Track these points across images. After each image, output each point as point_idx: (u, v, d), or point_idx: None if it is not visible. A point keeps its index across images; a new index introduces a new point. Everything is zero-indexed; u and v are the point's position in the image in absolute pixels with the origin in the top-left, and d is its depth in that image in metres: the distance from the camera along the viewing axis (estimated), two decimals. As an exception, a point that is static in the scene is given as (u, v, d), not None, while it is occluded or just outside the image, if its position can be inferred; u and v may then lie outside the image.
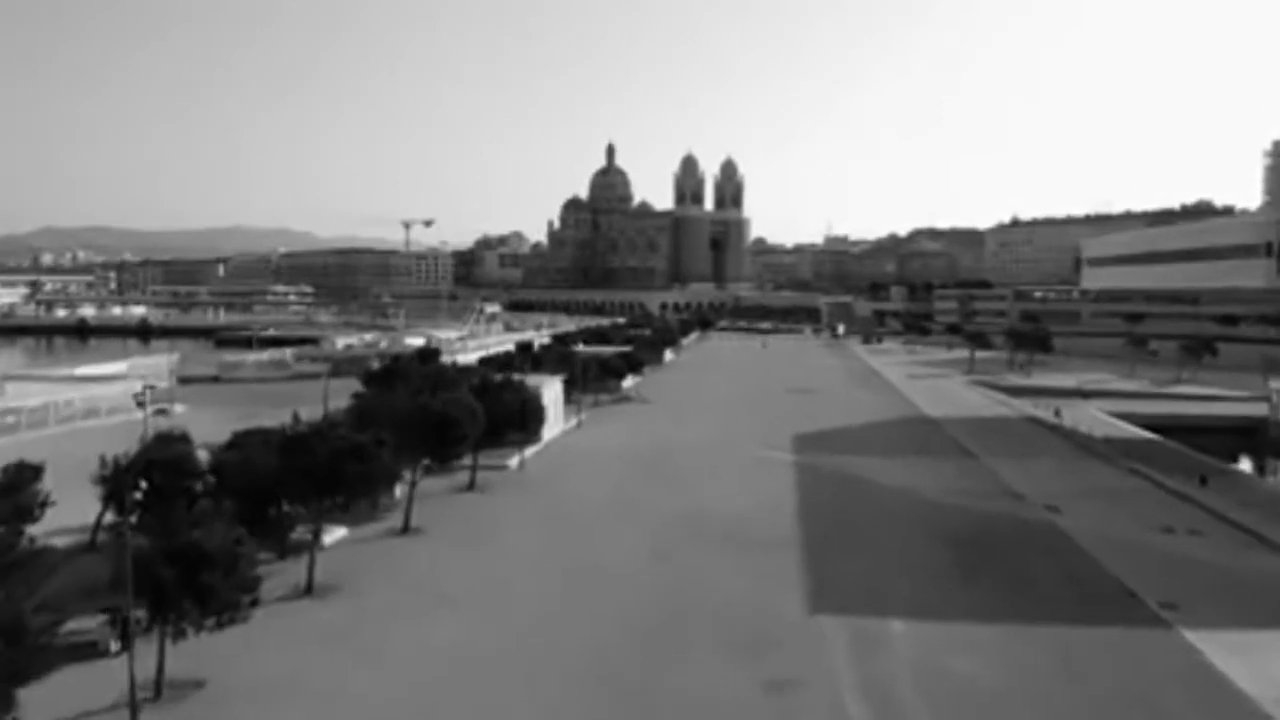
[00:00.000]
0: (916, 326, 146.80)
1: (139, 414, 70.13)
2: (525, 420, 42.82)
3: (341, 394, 52.51)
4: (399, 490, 39.16)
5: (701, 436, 57.99)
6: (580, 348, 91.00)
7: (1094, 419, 68.87)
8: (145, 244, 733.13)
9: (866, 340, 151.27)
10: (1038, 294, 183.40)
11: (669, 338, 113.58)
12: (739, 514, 38.22)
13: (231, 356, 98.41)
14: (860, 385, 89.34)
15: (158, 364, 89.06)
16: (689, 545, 33.77)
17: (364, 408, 39.15)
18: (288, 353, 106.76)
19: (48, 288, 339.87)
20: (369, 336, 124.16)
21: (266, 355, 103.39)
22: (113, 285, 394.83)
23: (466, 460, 41.18)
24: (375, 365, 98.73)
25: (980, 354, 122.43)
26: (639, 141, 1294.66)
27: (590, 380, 70.66)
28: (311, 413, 51.25)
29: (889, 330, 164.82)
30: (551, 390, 57.71)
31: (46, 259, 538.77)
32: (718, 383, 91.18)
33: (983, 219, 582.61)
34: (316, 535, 29.67)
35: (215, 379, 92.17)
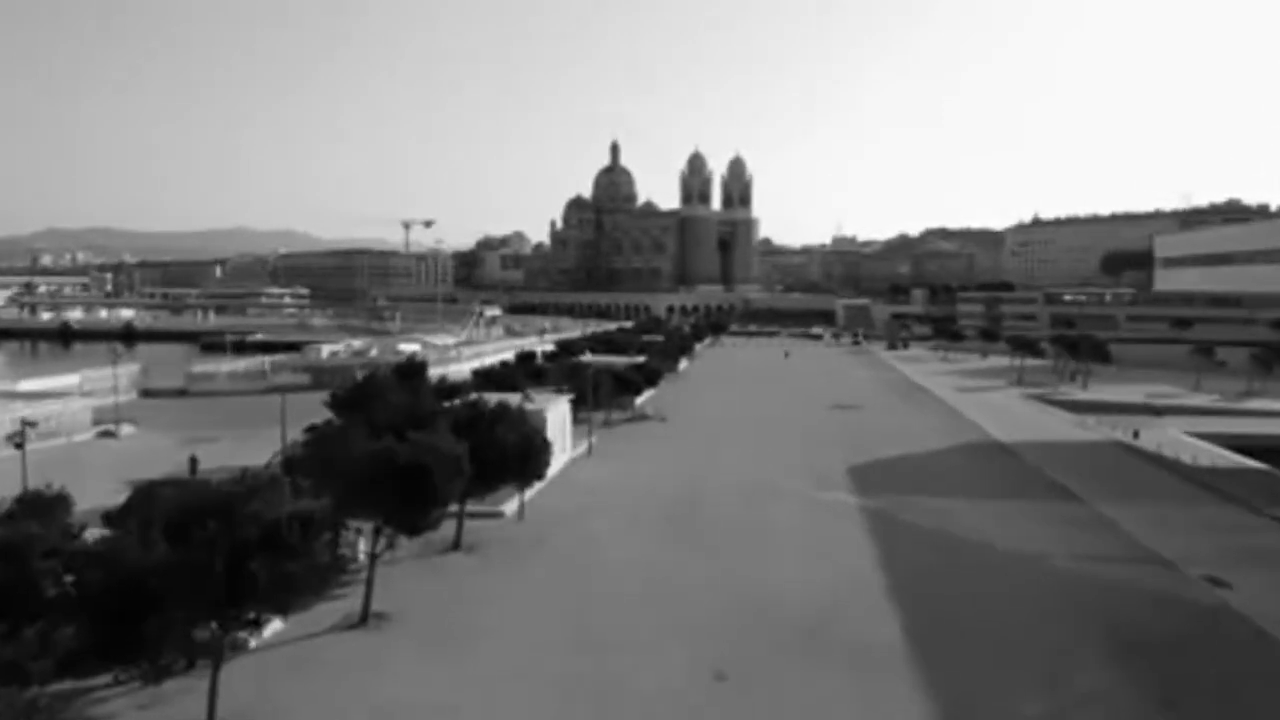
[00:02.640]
0: (948, 332, 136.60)
1: (84, 436, 61.03)
2: (525, 463, 33.28)
3: (320, 411, 43.43)
4: (362, 549, 29.84)
5: (738, 469, 48.37)
6: (588, 357, 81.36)
7: (1179, 442, 59.34)
8: (147, 246, 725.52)
9: (892, 346, 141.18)
10: (1068, 296, 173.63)
11: (684, 345, 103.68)
12: (812, 597, 28.56)
13: (202, 367, 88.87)
14: (905, 400, 79.57)
15: (116, 376, 79.61)
16: (755, 652, 24.17)
17: (317, 451, 29.64)
18: (266, 361, 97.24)
19: (41, 290, 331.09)
20: (357, 343, 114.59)
21: (242, 365, 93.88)
22: (109, 287, 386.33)
23: (453, 505, 31.83)
24: (359, 377, 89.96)
25: (1016, 361, 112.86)
26: (643, 140, 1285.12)
27: (601, 395, 61.12)
28: (280, 439, 42.07)
29: (915, 335, 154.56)
30: (557, 413, 48.17)
31: (45, 260, 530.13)
32: (743, 396, 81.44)
33: (993, 219, 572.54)
34: (217, 662, 20.05)
35: (182, 392, 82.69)
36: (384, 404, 34.03)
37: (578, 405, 57.12)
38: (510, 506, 38.37)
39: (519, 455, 32.79)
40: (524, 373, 69.26)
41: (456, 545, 33.60)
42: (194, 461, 41.90)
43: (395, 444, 26.06)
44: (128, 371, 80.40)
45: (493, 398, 47.90)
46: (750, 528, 36.70)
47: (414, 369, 53.91)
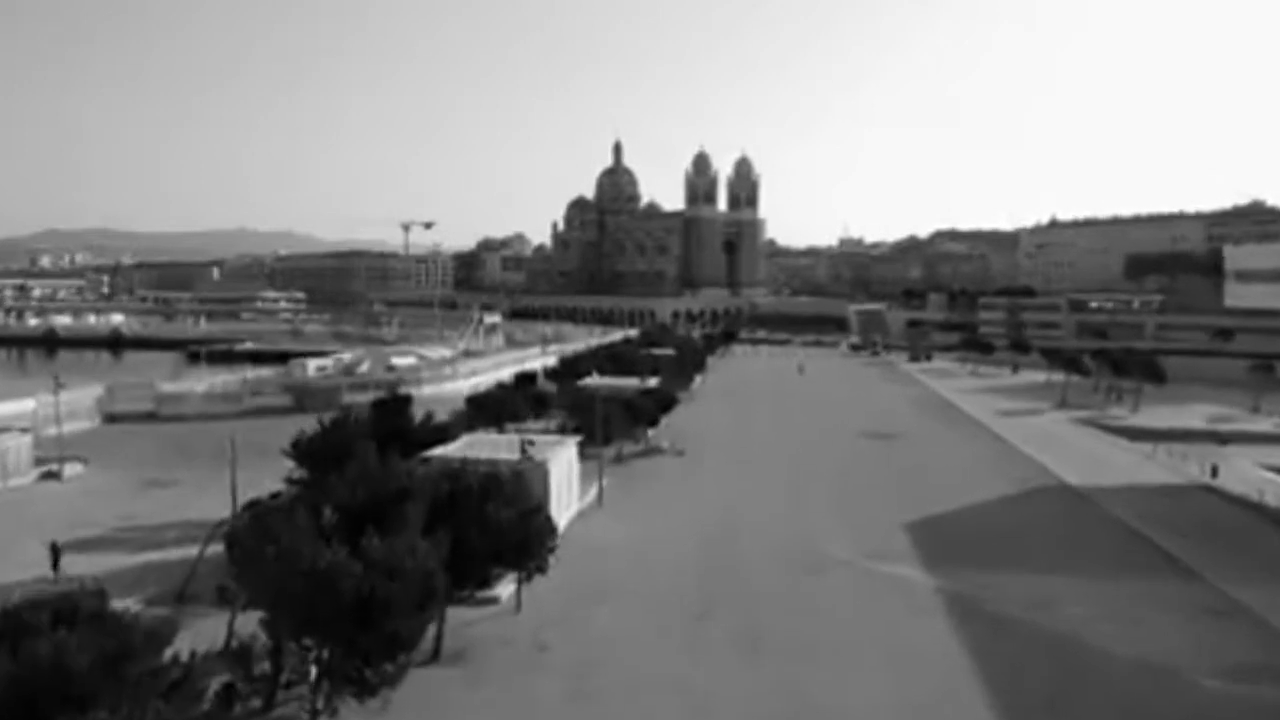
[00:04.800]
0: (976, 343, 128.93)
1: (22, 479, 53.77)
2: (523, 552, 26.15)
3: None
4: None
5: (771, 526, 41.19)
6: (594, 379, 74.14)
7: (1264, 480, 52.20)
8: (148, 246, 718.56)
9: (915, 357, 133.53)
10: (1094, 303, 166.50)
11: (697, 361, 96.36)
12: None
13: (173, 386, 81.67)
14: (945, 425, 72.27)
15: (58, 405, 72.31)
16: None
17: (251, 544, 22.51)
18: (246, 375, 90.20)
19: (36, 292, 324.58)
20: (347, 357, 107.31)
21: (220, 380, 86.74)
22: (105, 289, 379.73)
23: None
24: (345, 399, 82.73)
25: (1040, 375, 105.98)
26: (646, 141, 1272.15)
27: (611, 430, 54.04)
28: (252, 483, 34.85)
29: (936, 345, 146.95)
30: (563, 461, 41.01)
31: (44, 262, 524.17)
32: (762, 421, 74.18)
33: (1003, 219, 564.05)
34: None
35: (151, 415, 75.51)
36: (349, 469, 26.84)
37: (585, 440, 50.17)
38: (506, 590, 31.20)
39: (515, 543, 25.67)
40: (524, 397, 62.27)
41: (436, 655, 26.45)
42: (56, 554, 33.72)
43: (344, 560, 18.87)
44: (89, 395, 73.29)
45: (485, 446, 40.98)
46: (800, 620, 29.48)
47: (397, 405, 46.69)
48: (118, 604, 33.31)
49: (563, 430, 55.58)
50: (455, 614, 27.36)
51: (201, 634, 26.39)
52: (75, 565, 35.54)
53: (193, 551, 35.03)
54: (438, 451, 39.62)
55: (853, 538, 39.06)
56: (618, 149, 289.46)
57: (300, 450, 37.99)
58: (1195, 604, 31.25)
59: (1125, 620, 29.63)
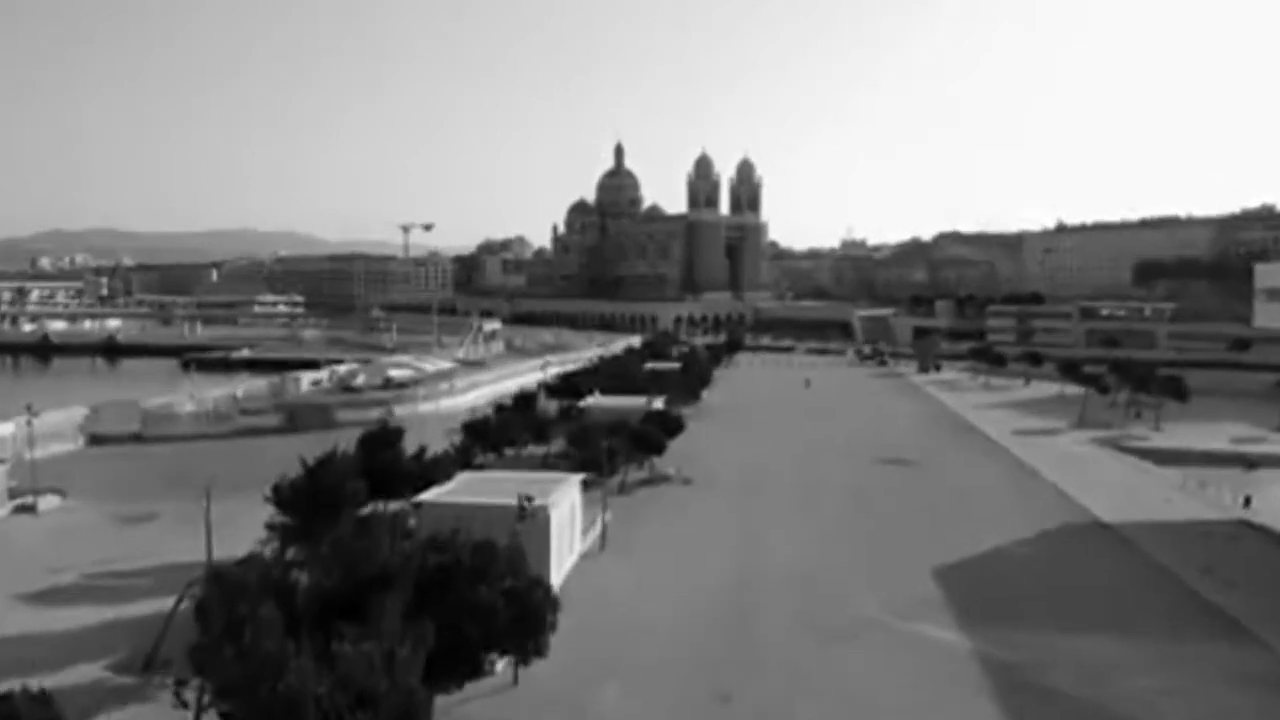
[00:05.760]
0: (987, 354, 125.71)
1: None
2: (520, 636, 23.38)
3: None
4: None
5: (788, 575, 38.26)
6: (596, 398, 71.44)
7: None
8: (150, 247, 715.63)
9: (924, 368, 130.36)
10: (1105, 311, 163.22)
11: (703, 376, 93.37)
12: None
13: (161, 403, 78.81)
14: (965, 448, 69.25)
15: (62, 421, 69.70)
16: None
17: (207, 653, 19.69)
18: (237, 393, 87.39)
19: (34, 296, 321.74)
20: (342, 369, 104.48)
21: (211, 398, 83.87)
22: (104, 291, 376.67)
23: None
24: (338, 415, 79.86)
25: (1054, 387, 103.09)
26: (648, 143, 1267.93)
27: (617, 462, 51.32)
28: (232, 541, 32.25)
29: (945, 353, 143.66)
30: (564, 505, 38.18)
31: (45, 263, 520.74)
32: (772, 444, 71.13)
33: (1008, 222, 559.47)
34: None
35: (137, 437, 72.71)
36: (325, 546, 24.07)
37: (589, 473, 47.45)
38: (499, 666, 28.39)
39: (510, 628, 22.87)
40: (523, 423, 59.46)
41: (424, 746, 23.68)
42: None
43: (310, 674, 16.06)
44: (74, 416, 70.52)
45: (481, 488, 38.11)
46: (832, 704, 26.54)
47: (387, 437, 43.82)
48: (84, 668, 31.33)
49: (565, 457, 52.82)
50: (443, 705, 24.61)
51: (163, 709, 23.87)
52: (43, 621, 33.33)
53: (165, 603, 32.97)
54: (430, 496, 36.86)
55: (879, 587, 36.23)
56: (619, 151, 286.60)
57: (283, 495, 35.19)
58: (1259, 676, 28.40)
59: (1188, 696, 26.80)
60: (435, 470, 40.77)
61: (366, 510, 37.30)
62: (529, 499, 31.68)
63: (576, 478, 40.97)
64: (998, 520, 47.12)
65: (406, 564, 22.69)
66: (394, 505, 37.74)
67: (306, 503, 34.61)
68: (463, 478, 40.08)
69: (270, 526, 35.12)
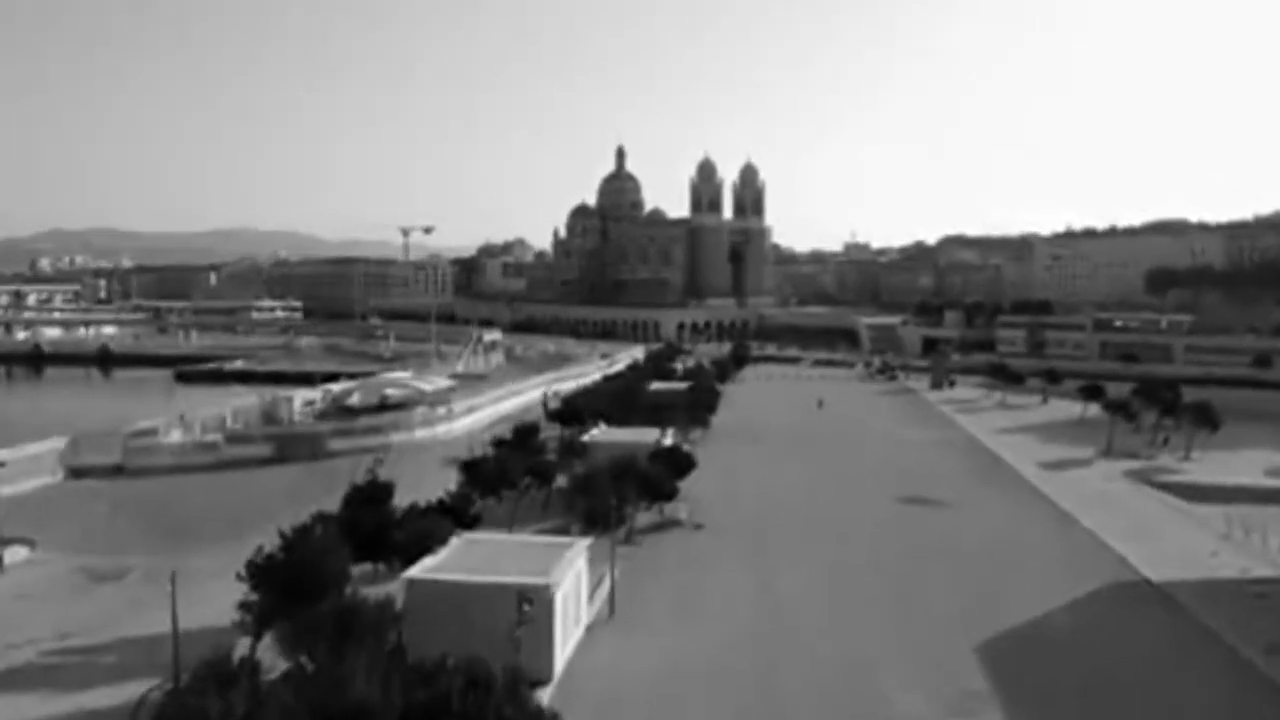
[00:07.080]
0: (1003, 370, 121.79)
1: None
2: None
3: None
4: None
5: (816, 652, 34.75)
6: (601, 432, 68.01)
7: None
8: (150, 246, 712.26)
9: (937, 384, 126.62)
10: (1118, 322, 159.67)
11: (710, 401, 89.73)
12: None
13: (145, 428, 75.26)
14: (991, 485, 65.26)
15: (40, 454, 66.22)
16: None
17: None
18: (227, 418, 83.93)
19: (31, 299, 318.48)
20: (336, 388, 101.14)
21: (198, 423, 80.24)
22: (102, 294, 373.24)
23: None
24: (328, 446, 76.47)
25: (1074, 406, 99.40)
26: (650, 147, 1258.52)
27: (624, 510, 47.86)
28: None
29: (957, 367, 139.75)
30: (570, 577, 34.56)
31: (44, 263, 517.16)
32: (788, 479, 67.28)
33: (1013, 225, 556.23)
34: None
35: (118, 469, 69.28)
36: (294, 678, 20.67)
37: (594, 526, 44.16)
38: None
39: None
40: (523, 462, 55.79)
41: None
42: None
43: None
44: (52, 448, 67.09)
45: (478, 559, 34.50)
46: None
47: (375, 494, 40.36)
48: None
49: (569, 508, 49.33)
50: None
51: None
52: (-10, 715, 30.02)
53: (124, 690, 30.34)
54: (421, 571, 33.39)
55: (918, 670, 32.73)
56: (621, 155, 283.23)
57: (257, 573, 31.72)
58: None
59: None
60: (428, 535, 37.16)
61: (352, 573, 34.18)
62: (529, 601, 28.17)
63: (584, 543, 37.45)
64: (1038, 578, 43.66)
65: (388, 703, 19.22)
66: (381, 589, 34.23)
67: (283, 580, 31.19)
68: (456, 545, 36.60)
69: (244, 605, 31.75)
